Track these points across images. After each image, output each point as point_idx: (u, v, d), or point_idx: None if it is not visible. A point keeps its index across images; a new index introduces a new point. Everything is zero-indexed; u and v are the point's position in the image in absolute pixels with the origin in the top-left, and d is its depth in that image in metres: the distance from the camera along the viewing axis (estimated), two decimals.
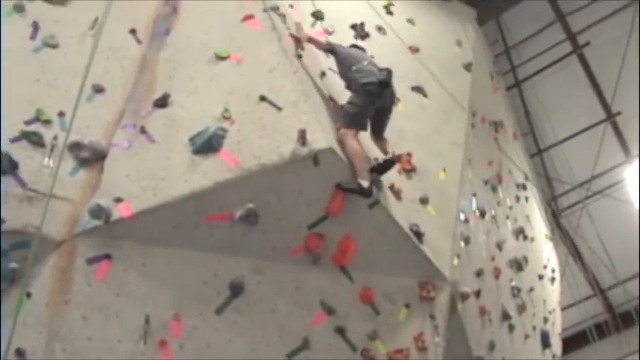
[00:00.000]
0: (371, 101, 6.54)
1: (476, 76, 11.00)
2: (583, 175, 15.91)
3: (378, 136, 6.94)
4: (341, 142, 6.30)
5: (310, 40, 7.38)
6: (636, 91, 14.47)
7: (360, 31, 8.95)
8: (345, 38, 8.14)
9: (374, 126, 6.78)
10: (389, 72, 6.74)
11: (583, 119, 15.86)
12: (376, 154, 6.99)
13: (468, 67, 10.85)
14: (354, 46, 7.55)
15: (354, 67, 6.76)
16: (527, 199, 13.06)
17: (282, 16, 7.24)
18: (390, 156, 6.83)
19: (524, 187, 13.09)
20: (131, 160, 5.93)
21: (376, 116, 6.70)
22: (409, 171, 7.82)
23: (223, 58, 6.60)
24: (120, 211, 5.55)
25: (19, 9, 6.46)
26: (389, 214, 6.64)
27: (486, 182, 10.30)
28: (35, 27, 6.44)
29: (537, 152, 16.64)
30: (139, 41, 6.97)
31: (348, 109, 6.51)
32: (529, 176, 13.95)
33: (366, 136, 6.80)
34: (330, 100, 7.03)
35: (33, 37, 6.39)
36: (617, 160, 15.86)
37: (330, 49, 7.27)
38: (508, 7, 15.22)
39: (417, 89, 9.07)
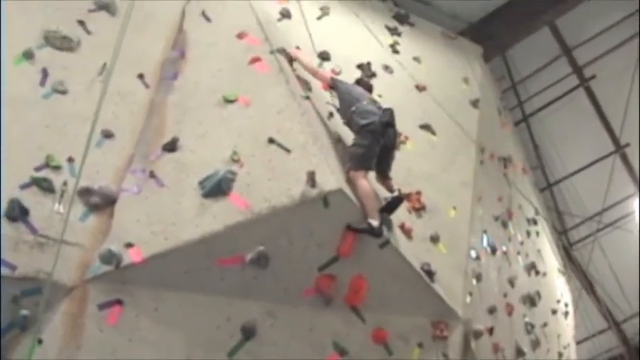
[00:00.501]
0: (375, 140, 6.57)
1: (483, 112, 11.03)
2: (593, 207, 15.84)
3: (383, 175, 6.95)
4: (352, 183, 6.33)
5: (316, 74, 7.48)
6: None
7: (366, 70, 9.02)
8: (352, 79, 8.18)
9: (379, 165, 6.78)
10: (390, 112, 6.79)
11: (592, 152, 15.87)
12: (385, 193, 7.00)
13: (475, 103, 10.89)
14: (359, 81, 7.60)
15: (353, 108, 6.81)
16: (538, 233, 13.01)
17: (289, 58, 7.33)
18: (396, 193, 6.83)
19: (535, 222, 13.06)
20: (141, 204, 5.95)
21: (380, 155, 6.72)
22: (419, 210, 7.83)
23: (231, 101, 6.68)
24: (130, 256, 5.55)
25: (29, 56, 6.54)
26: (400, 253, 6.63)
27: (497, 218, 10.27)
28: (44, 73, 6.50)
29: (547, 186, 16.61)
30: (147, 86, 7.02)
31: (355, 151, 6.55)
32: (539, 210, 13.91)
33: (371, 176, 6.82)
34: (338, 141, 7.07)
35: (42, 83, 6.44)
36: (628, 191, 15.81)
37: (332, 85, 7.34)
38: (514, 43, 15.28)
39: (425, 127, 9.12)
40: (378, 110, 6.76)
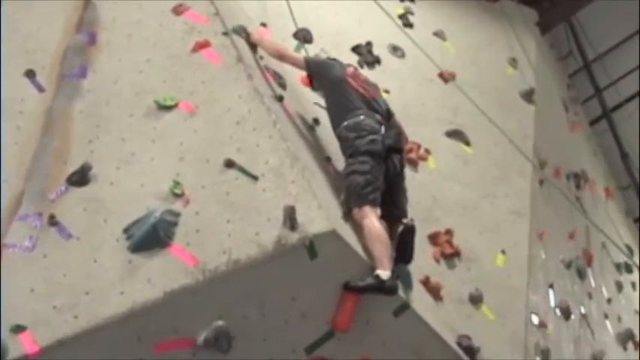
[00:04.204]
0: (378, 165, 6.74)
1: (541, 108, 11.22)
2: None
3: (393, 217, 7.02)
4: (357, 225, 6.50)
5: (282, 56, 7.63)
6: None
7: (366, 55, 9.22)
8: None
9: (384, 204, 6.85)
10: (397, 133, 7.02)
11: None
12: None
13: (528, 95, 11.07)
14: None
15: (346, 123, 6.97)
16: (634, 285, 13.09)
17: (252, 42, 7.52)
18: (406, 221, 6.93)
19: (629, 269, 13.12)
20: (36, 266, 6.01)
21: (387, 186, 6.87)
22: (451, 256, 7.95)
23: (168, 108, 6.80)
24: (22, 346, 5.60)
25: None
26: (424, 322, 6.70)
27: (568, 265, 10.38)
28: None
29: None
30: (40, 88, 7.15)
31: (354, 181, 6.67)
32: (635, 250, 13.99)
33: None
34: (328, 161, 7.26)
35: None
36: None
37: (308, 71, 7.52)
38: (585, 3, 15.26)
39: (456, 134, 9.34)
40: (379, 127, 6.95)
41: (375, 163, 6.70)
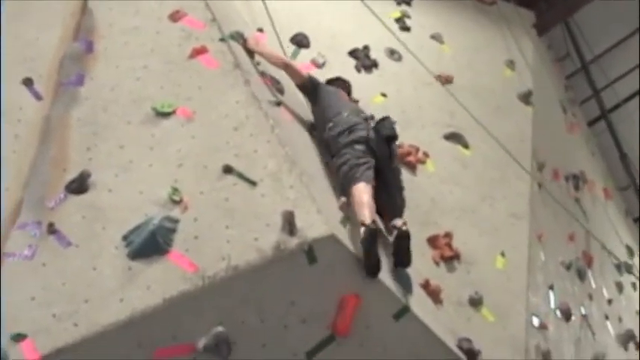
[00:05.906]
0: (361, 151, 6.84)
1: (539, 110, 11.23)
2: None
3: (389, 215, 7.10)
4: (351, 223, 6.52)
5: (279, 61, 7.67)
6: None
7: (363, 59, 9.21)
8: (343, 71, 8.35)
9: (378, 200, 6.87)
10: (389, 121, 7.06)
11: None
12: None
13: (526, 97, 11.09)
14: (331, 81, 7.92)
15: (331, 124, 7.09)
16: (635, 285, 13.08)
17: (249, 47, 7.53)
18: (399, 224, 6.90)
19: (630, 269, 13.11)
20: (36, 275, 6.01)
21: (379, 183, 6.92)
22: (450, 259, 7.96)
23: (166, 114, 6.80)
24: (23, 354, 5.61)
25: None
26: (425, 325, 6.69)
27: (568, 266, 10.38)
28: None
29: None
30: (38, 96, 7.16)
31: (341, 173, 6.84)
32: (635, 251, 13.99)
33: None
34: (327, 165, 7.25)
35: None
36: None
37: (308, 87, 7.62)
38: (582, 4, 15.20)
39: (454, 137, 9.33)
40: (364, 122, 7.02)
41: (360, 149, 6.83)
